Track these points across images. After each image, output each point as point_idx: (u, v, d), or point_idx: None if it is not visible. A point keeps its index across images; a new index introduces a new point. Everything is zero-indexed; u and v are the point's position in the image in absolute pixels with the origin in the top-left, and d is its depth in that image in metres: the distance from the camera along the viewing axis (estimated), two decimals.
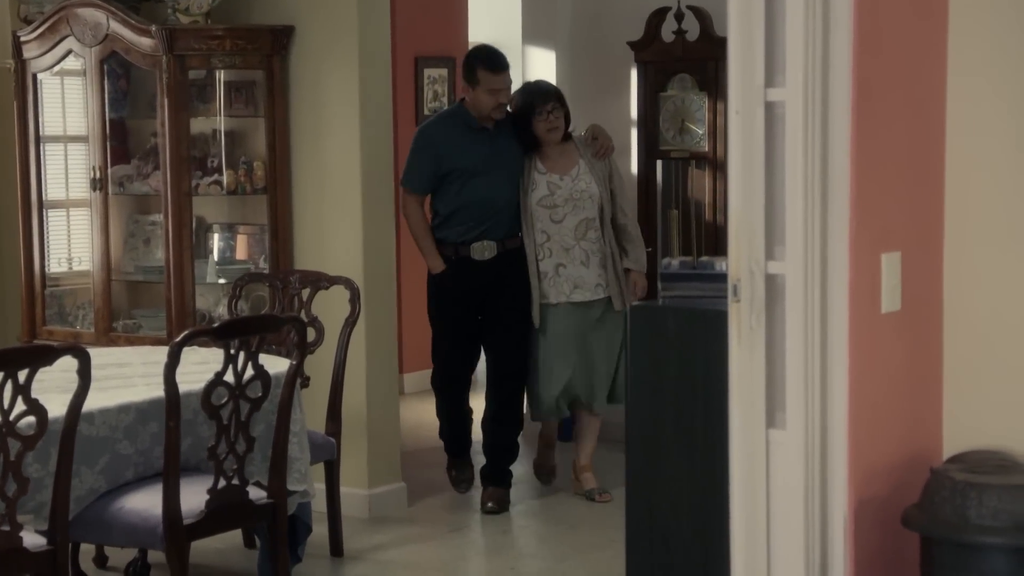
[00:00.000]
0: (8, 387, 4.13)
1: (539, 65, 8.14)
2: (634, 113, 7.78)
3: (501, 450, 6.71)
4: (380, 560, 5.88)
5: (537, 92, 6.55)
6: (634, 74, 7.74)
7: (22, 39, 6.72)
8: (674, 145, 7.54)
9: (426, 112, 9.42)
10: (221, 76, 6.51)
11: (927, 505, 3.43)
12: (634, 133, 7.77)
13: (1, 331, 7.08)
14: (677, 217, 7.47)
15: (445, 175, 6.43)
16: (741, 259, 3.38)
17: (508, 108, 6.50)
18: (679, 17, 7.41)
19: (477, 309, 6.54)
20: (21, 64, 6.76)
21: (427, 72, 9.44)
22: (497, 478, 6.69)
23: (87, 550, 5.59)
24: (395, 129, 9.07)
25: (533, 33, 8.23)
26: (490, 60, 6.41)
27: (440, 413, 6.84)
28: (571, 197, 6.44)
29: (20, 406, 4.17)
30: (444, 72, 9.54)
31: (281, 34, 6.42)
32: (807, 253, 3.35)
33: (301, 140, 6.46)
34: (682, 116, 7.53)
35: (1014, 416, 3.64)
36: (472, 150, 6.41)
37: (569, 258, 6.46)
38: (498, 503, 6.56)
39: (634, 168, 7.77)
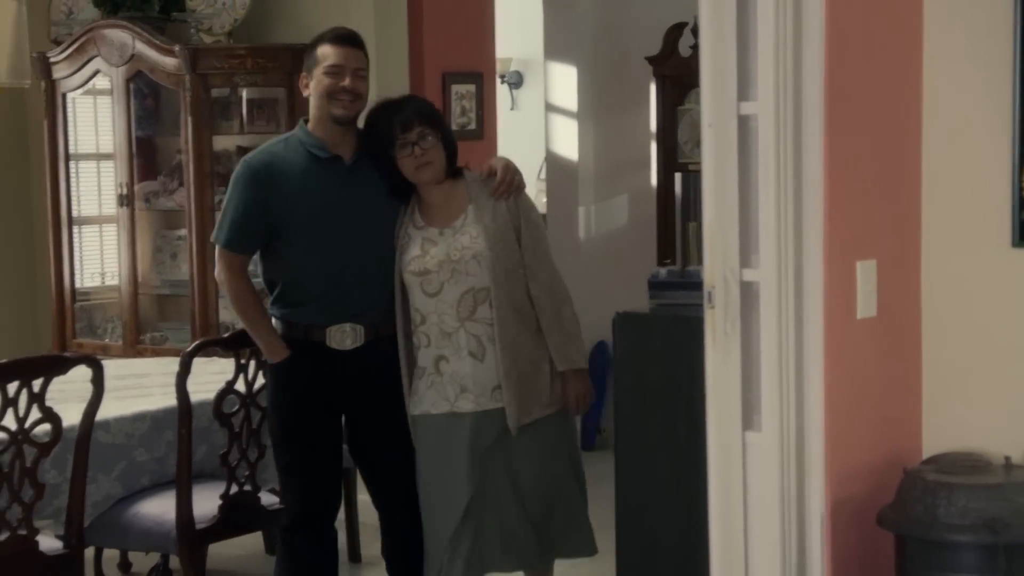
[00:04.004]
0: (24, 396, 4.30)
1: (561, 81, 8.27)
2: (653, 126, 7.89)
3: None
4: None
5: (394, 112, 4.41)
6: (653, 88, 7.86)
7: (51, 60, 6.92)
8: (692, 158, 7.64)
9: (454, 128, 9.55)
10: (244, 94, 6.67)
11: (900, 505, 3.53)
12: (653, 146, 7.89)
13: (34, 344, 7.25)
14: (695, 229, 7.55)
15: (278, 228, 4.44)
16: (715, 267, 3.49)
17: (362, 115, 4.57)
18: (696, 32, 7.49)
19: (338, 420, 4.59)
20: (51, 84, 6.96)
21: (455, 88, 9.54)
22: None
23: (111, 556, 5.75)
24: None
25: (554, 49, 8.36)
26: (333, 32, 4.58)
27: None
28: (448, 258, 4.35)
29: (36, 414, 4.34)
30: (472, 88, 9.64)
31: (301, 52, 6.45)
32: (780, 261, 3.46)
33: None
34: (700, 129, 7.61)
35: (990, 419, 3.73)
36: (318, 190, 4.43)
37: (452, 348, 4.38)
38: None
39: (653, 181, 7.89)
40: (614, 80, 8.13)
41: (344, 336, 4.46)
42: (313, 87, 4.49)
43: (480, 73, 9.69)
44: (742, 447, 3.53)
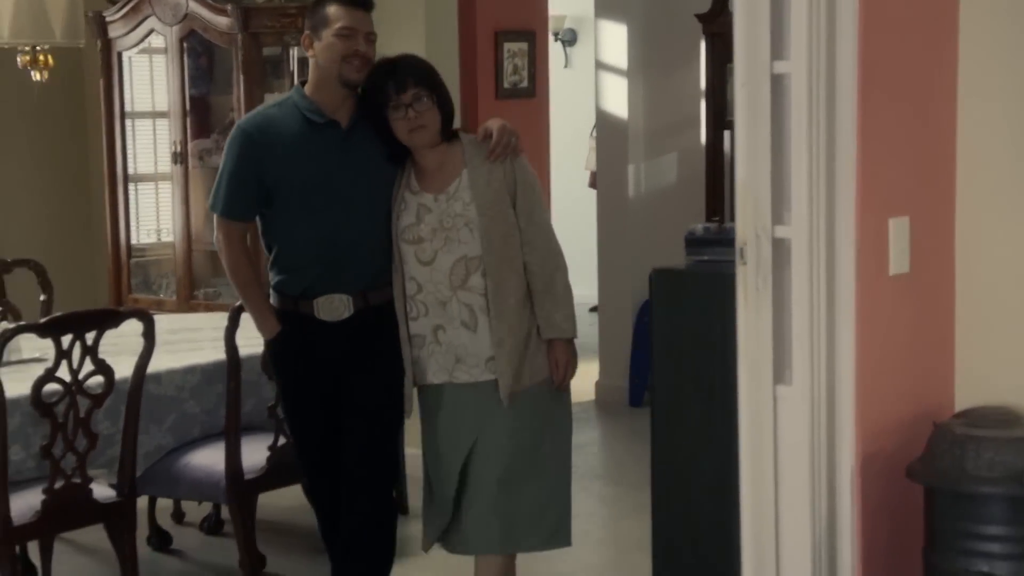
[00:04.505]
0: (77, 348, 4.42)
1: (611, 39, 8.30)
2: (702, 84, 7.92)
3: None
4: None
5: (388, 73, 4.26)
6: (702, 46, 7.88)
7: (107, 19, 7.03)
8: None
9: (506, 86, 9.62)
10: (294, 52, 6.76)
11: (929, 458, 3.58)
12: (702, 104, 7.92)
13: (91, 299, 7.40)
14: None
15: (272, 194, 4.35)
16: (747, 224, 3.54)
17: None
18: None
19: (332, 384, 4.47)
20: (106, 43, 7.08)
21: (507, 46, 9.58)
22: None
23: (165, 506, 5.88)
24: (475, 105, 9.36)
25: (606, 6, 8.38)
26: None
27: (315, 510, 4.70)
28: (440, 226, 4.23)
29: (89, 366, 4.46)
30: (524, 46, 9.68)
31: None
32: (812, 218, 3.50)
33: None
34: None
35: (1023, 374, 3.77)
36: (313, 156, 4.32)
37: (447, 317, 4.26)
38: None
39: (703, 139, 7.93)
40: (664, 38, 8.15)
41: (333, 307, 4.34)
42: (321, 49, 4.31)
43: (532, 31, 9.74)
44: (773, 401, 3.58)
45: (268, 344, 4.49)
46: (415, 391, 4.37)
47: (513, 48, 9.76)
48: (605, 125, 8.33)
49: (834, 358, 3.58)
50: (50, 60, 5.33)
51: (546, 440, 4.34)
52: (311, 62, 4.38)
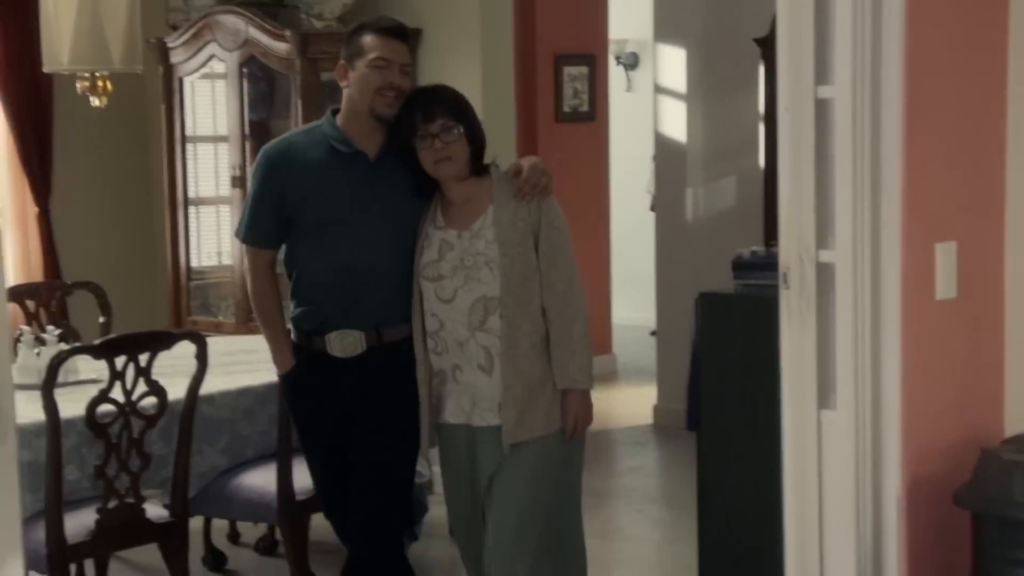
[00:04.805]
0: (131, 369, 4.48)
1: (670, 63, 8.31)
2: (761, 108, 7.91)
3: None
4: None
5: (417, 102, 4.16)
6: (761, 70, 7.87)
7: (169, 45, 7.13)
8: None
9: (565, 110, 9.66)
10: None
11: (977, 484, 3.56)
12: (761, 128, 7.91)
13: (152, 321, 7.48)
14: None
15: (292, 221, 4.28)
16: (791, 248, 3.54)
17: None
18: None
19: (343, 423, 4.36)
20: (168, 68, 7.17)
21: (567, 70, 9.66)
22: None
23: (220, 526, 5.93)
24: (534, 128, 9.41)
25: (664, 31, 8.39)
26: (380, 22, 4.34)
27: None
28: (462, 264, 4.11)
29: (142, 387, 4.52)
30: (584, 70, 9.74)
31: (409, 37, 6.68)
32: (857, 243, 3.50)
33: None
34: None
35: None
36: (337, 187, 4.23)
37: (465, 358, 4.15)
38: None
39: (761, 163, 7.91)
40: (723, 62, 8.15)
41: (345, 343, 4.24)
42: (355, 80, 4.23)
43: (593, 55, 9.81)
44: (817, 425, 3.58)
45: (281, 379, 4.43)
46: (428, 427, 4.24)
47: (573, 72, 9.82)
48: (663, 149, 8.34)
49: (879, 382, 3.57)
50: (109, 86, 5.41)
51: (559, 491, 4.19)
52: (344, 92, 4.29)
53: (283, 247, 4.36)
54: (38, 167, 7.45)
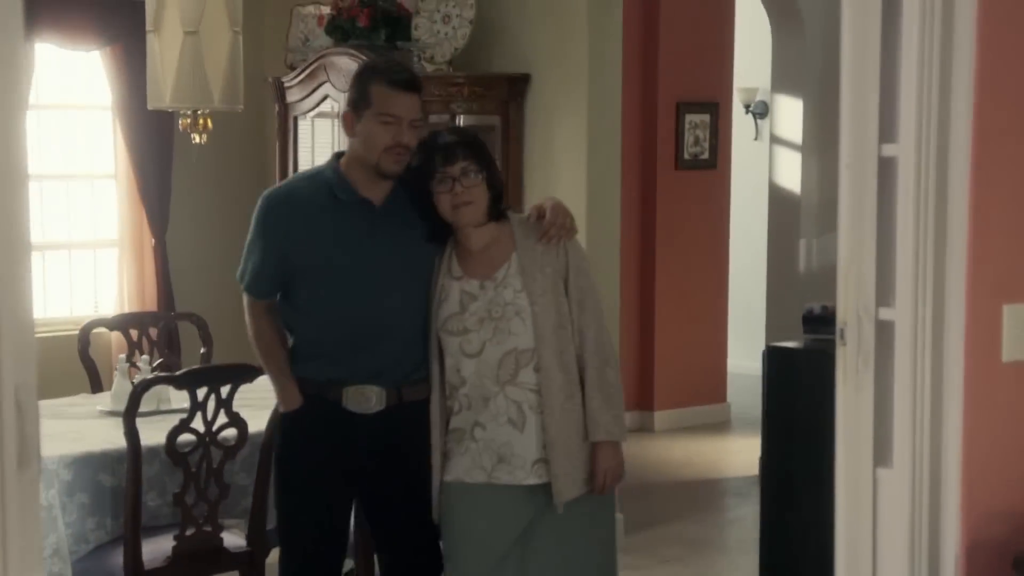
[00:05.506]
0: (212, 401, 4.59)
1: (787, 114, 8.29)
2: None
3: None
4: None
5: (435, 146, 3.96)
6: None
7: (286, 84, 7.29)
8: None
9: (686, 157, 9.65)
10: (460, 120, 6.90)
11: None
12: None
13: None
14: None
15: (294, 273, 4.09)
16: (848, 305, 3.52)
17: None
18: None
19: (351, 487, 4.19)
20: (284, 107, 7.33)
21: (688, 118, 9.66)
22: None
23: None
24: (654, 175, 9.42)
25: (782, 81, 8.38)
26: (391, 72, 4.02)
27: None
28: (489, 315, 3.93)
29: (223, 418, 4.62)
30: (707, 118, 9.74)
31: (518, 82, 6.78)
32: (918, 302, 3.47)
33: (532, 182, 6.79)
34: None
35: None
36: (338, 236, 4.04)
37: (489, 414, 3.94)
38: None
39: None
40: (839, 114, 8.09)
41: (363, 399, 4.04)
42: (361, 132, 3.99)
43: (716, 103, 9.80)
44: (872, 483, 3.55)
45: (284, 418, 4.17)
46: (438, 488, 4.03)
47: (695, 119, 9.82)
48: (777, 198, 8.31)
49: (940, 442, 3.53)
50: (209, 123, 5.56)
51: (596, 550, 4.08)
52: (352, 141, 4.08)
53: (280, 301, 4.17)
54: (156, 200, 7.66)
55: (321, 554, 4.17)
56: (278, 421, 4.25)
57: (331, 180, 4.06)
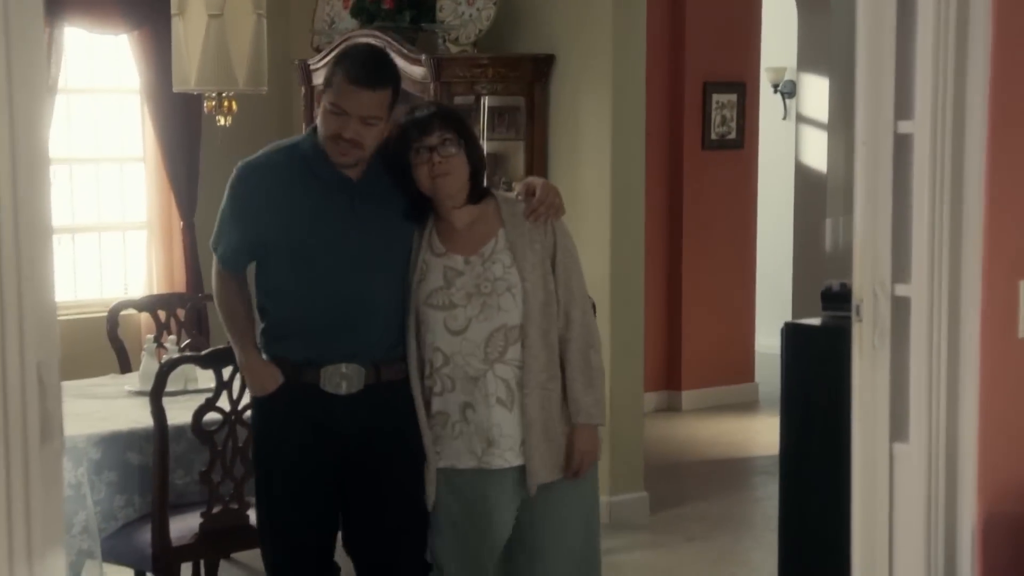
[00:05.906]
0: (237, 380, 4.63)
1: (813, 92, 8.29)
2: None
3: None
4: (611, 563, 6.16)
5: (412, 119, 3.87)
6: None
7: (312, 66, 7.33)
8: None
9: (713, 137, 9.65)
10: (485, 102, 6.93)
11: None
12: None
13: None
14: None
15: (265, 248, 3.95)
16: (864, 281, 3.54)
17: (367, 154, 3.89)
18: None
19: (331, 475, 3.98)
20: (310, 89, 7.38)
21: (715, 97, 9.64)
22: None
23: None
24: (680, 155, 9.42)
25: (808, 60, 8.38)
26: (355, 66, 3.81)
27: None
28: (477, 291, 3.85)
29: (248, 397, 4.66)
30: (733, 98, 9.72)
31: (542, 63, 6.80)
32: (934, 278, 3.49)
33: (557, 163, 6.82)
34: None
35: None
36: (316, 211, 3.90)
37: (479, 394, 3.86)
38: None
39: None
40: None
41: (340, 379, 3.89)
42: (319, 113, 3.90)
43: (743, 82, 9.78)
44: (889, 458, 3.57)
45: (257, 404, 4.04)
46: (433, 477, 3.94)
47: (722, 99, 9.80)
48: (803, 177, 8.33)
49: (956, 417, 3.55)
50: (234, 106, 5.60)
51: (585, 535, 4.02)
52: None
53: (254, 278, 4.04)
54: (184, 182, 7.72)
55: (309, 544, 4.05)
56: (252, 409, 4.12)
57: (308, 153, 3.92)
